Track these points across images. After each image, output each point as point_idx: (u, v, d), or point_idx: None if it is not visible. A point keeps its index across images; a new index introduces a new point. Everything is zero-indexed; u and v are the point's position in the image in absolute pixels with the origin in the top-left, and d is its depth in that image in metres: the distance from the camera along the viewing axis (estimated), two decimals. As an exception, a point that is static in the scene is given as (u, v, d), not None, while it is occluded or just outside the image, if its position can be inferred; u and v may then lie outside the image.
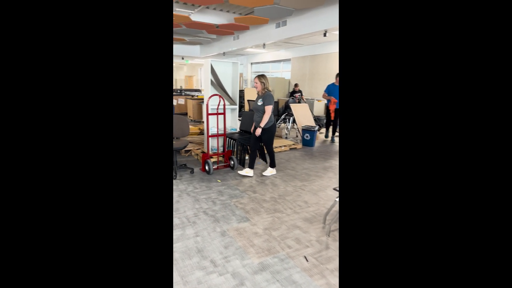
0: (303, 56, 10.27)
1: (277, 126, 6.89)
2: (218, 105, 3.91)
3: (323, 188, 3.36)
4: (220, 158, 4.20)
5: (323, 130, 6.76)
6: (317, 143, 5.82)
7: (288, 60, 11.30)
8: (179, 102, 8.95)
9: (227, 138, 4.15)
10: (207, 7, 6.42)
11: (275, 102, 7.27)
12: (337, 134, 6.09)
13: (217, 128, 4.02)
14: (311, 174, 3.89)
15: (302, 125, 5.79)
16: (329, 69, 9.11)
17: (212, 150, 4.26)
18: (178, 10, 6.26)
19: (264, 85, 3.43)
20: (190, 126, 5.37)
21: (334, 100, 5.62)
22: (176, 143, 3.58)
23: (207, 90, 4.11)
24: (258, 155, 3.87)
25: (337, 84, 5.64)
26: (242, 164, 4.07)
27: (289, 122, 6.49)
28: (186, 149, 4.53)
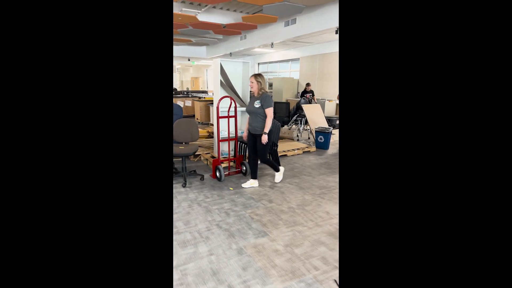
0: (313, 55, 10.00)
1: (288, 127, 6.66)
2: (230, 107, 3.68)
3: (344, 196, 3.10)
4: (232, 164, 3.98)
5: (335, 131, 6.48)
6: (330, 146, 5.54)
7: (297, 59, 11.03)
8: (186, 104, 8.77)
9: (239, 143, 3.90)
10: (214, 7, 6.22)
11: (285, 103, 7.04)
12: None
13: (228, 132, 3.79)
14: (329, 180, 3.63)
15: (315, 127, 5.52)
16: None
17: (222, 155, 4.03)
18: (184, 10, 6.07)
19: (261, 85, 3.10)
20: (199, 129, 5.16)
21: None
22: (185, 149, 3.36)
23: (216, 92, 3.87)
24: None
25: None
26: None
27: (301, 124, 6.23)
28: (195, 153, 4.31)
